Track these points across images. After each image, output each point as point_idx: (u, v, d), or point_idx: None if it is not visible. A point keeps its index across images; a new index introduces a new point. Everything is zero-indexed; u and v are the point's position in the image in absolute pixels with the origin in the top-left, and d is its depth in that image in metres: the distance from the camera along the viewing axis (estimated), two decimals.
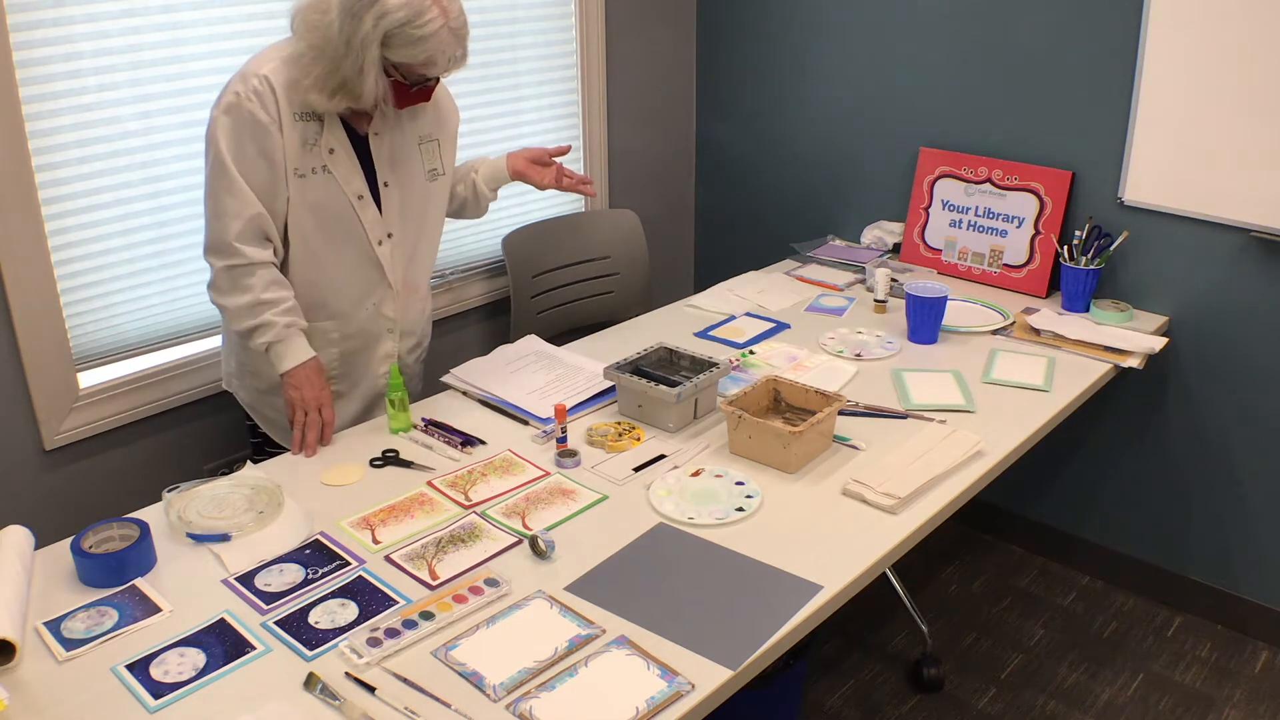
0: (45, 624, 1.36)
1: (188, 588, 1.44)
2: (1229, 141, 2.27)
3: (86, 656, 1.31)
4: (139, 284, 2.19)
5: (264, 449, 2.06)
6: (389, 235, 1.94)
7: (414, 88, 1.78)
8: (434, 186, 2.02)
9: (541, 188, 2.13)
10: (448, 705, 1.23)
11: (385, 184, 1.91)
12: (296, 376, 1.82)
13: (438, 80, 1.82)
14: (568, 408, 1.90)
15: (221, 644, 1.33)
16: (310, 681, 1.26)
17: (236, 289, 1.80)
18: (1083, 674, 2.43)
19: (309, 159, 1.81)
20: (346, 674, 1.27)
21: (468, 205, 2.19)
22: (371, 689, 1.24)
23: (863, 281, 2.65)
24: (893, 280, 2.53)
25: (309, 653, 1.31)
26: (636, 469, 1.75)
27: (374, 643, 1.32)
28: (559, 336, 2.69)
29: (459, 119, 2.09)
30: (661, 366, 2.01)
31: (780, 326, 2.38)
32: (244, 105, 1.74)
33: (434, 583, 1.45)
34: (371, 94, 1.73)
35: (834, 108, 2.97)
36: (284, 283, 1.83)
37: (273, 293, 1.81)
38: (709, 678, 1.27)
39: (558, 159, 2.14)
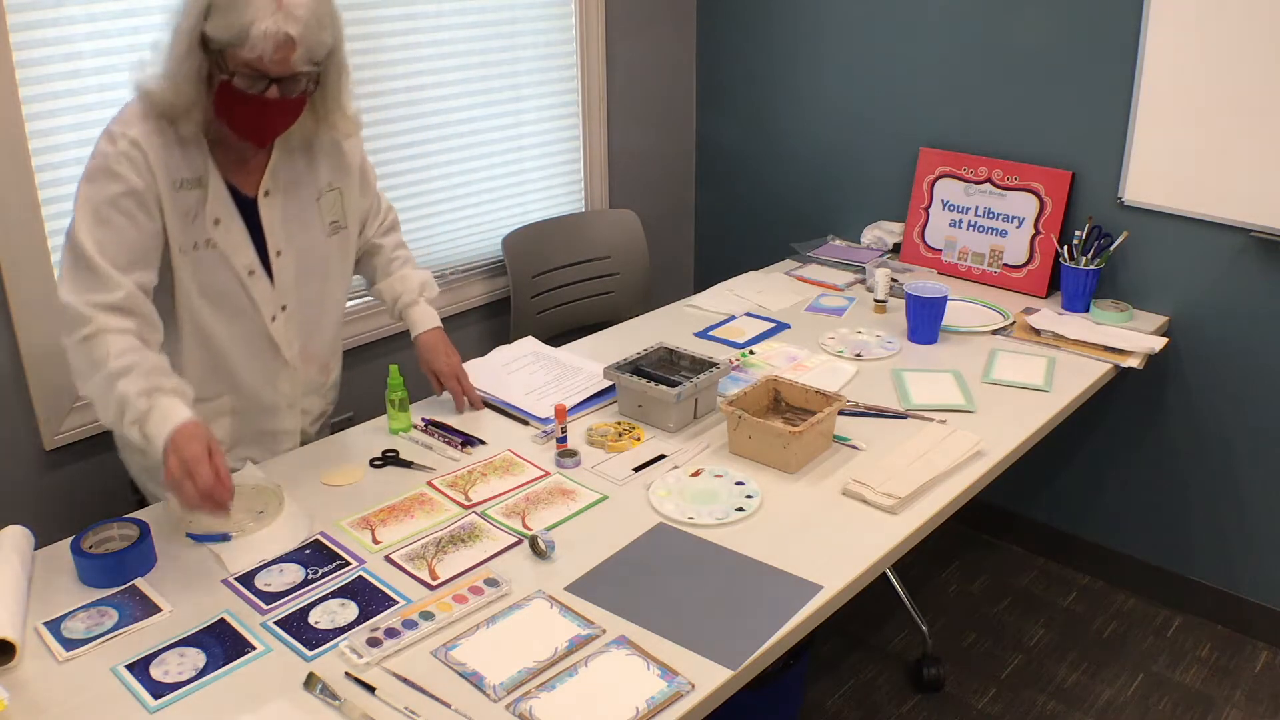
0: (45, 624, 1.36)
1: (188, 588, 1.44)
2: (1229, 141, 2.27)
3: (86, 656, 1.31)
4: None
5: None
6: (283, 308, 1.71)
7: (244, 87, 1.48)
8: (335, 242, 1.77)
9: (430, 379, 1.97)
10: (448, 705, 1.22)
11: (278, 253, 1.68)
12: (172, 444, 1.44)
13: (276, 87, 1.49)
14: (568, 408, 1.90)
15: (221, 644, 1.33)
16: (310, 681, 1.26)
17: (89, 367, 1.49)
18: (1083, 674, 2.43)
19: (192, 232, 1.59)
20: (346, 674, 1.27)
21: (367, 272, 1.99)
22: (371, 689, 1.24)
23: (863, 281, 2.65)
24: (893, 280, 2.53)
25: (309, 653, 1.31)
26: (636, 469, 1.75)
27: (374, 643, 1.32)
28: (559, 336, 2.69)
29: (362, 156, 1.82)
30: (661, 366, 2.01)
31: (780, 326, 2.37)
32: (112, 169, 1.50)
33: (434, 583, 1.45)
34: (178, 78, 1.47)
35: (834, 108, 2.97)
36: (139, 347, 1.50)
37: (125, 359, 1.48)
38: (709, 678, 1.27)
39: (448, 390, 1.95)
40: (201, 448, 1.44)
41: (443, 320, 2.77)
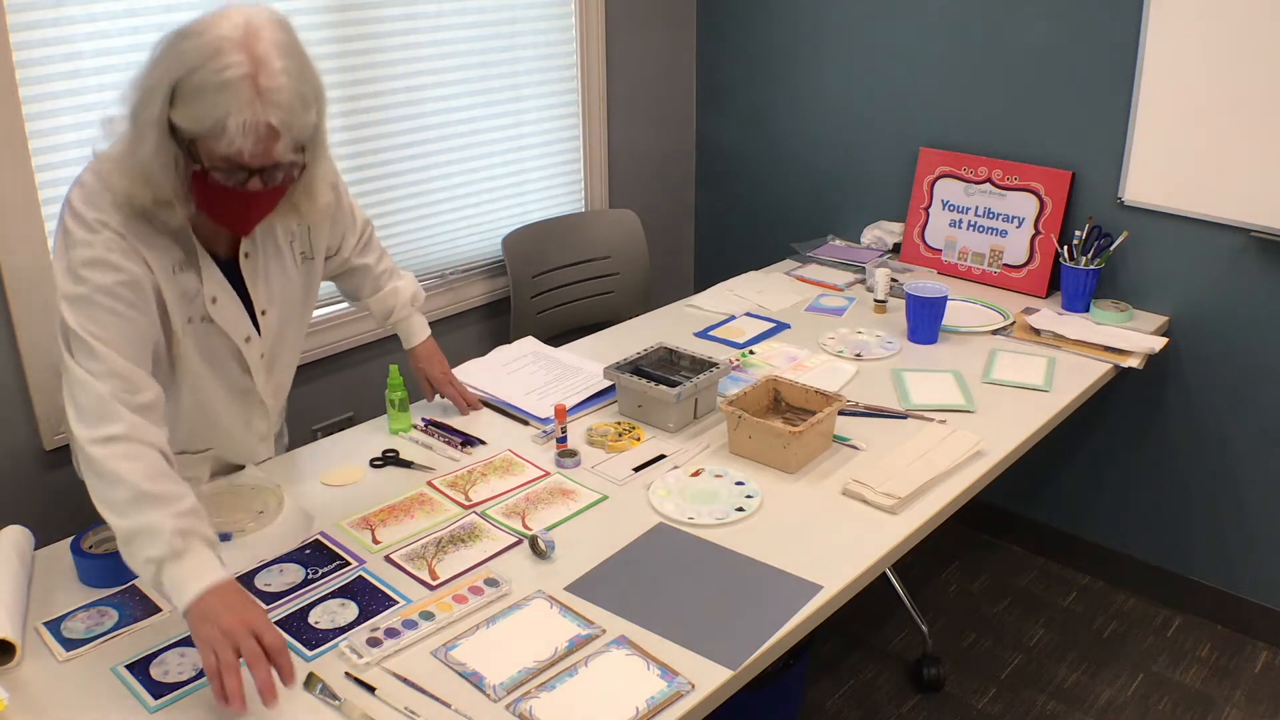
0: (45, 624, 1.36)
1: None
2: (1229, 141, 2.27)
3: (86, 656, 1.31)
4: None
5: None
6: (261, 356, 1.65)
7: (222, 180, 1.33)
8: (303, 272, 1.68)
9: (422, 387, 1.97)
10: (448, 705, 1.22)
11: (264, 312, 1.60)
12: (205, 606, 1.21)
13: (258, 178, 1.34)
14: (568, 408, 1.90)
15: None
16: (310, 681, 1.26)
17: (110, 475, 1.28)
18: (1083, 674, 2.43)
19: (191, 309, 1.51)
20: (346, 674, 1.27)
21: (351, 289, 1.92)
22: (371, 689, 1.24)
23: (863, 281, 2.65)
24: (893, 280, 2.53)
25: (309, 653, 1.31)
26: (636, 469, 1.75)
27: (374, 643, 1.32)
28: (559, 336, 2.69)
29: (329, 193, 1.59)
30: (661, 366, 2.01)
31: (780, 326, 2.37)
32: (105, 258, 1.35)
33: (434, 583, 1.45)
34: (151, 173, 1.32)
35: (834, 107, 2.97)
36: (176, 477, 1.32)
37: (160, 485, 1.28)
38: (709, 678, 1.27)
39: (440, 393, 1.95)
40: (239, 618, 1.21)
41: (443, 320, 2.81)
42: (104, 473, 1.28)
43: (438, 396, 1.97)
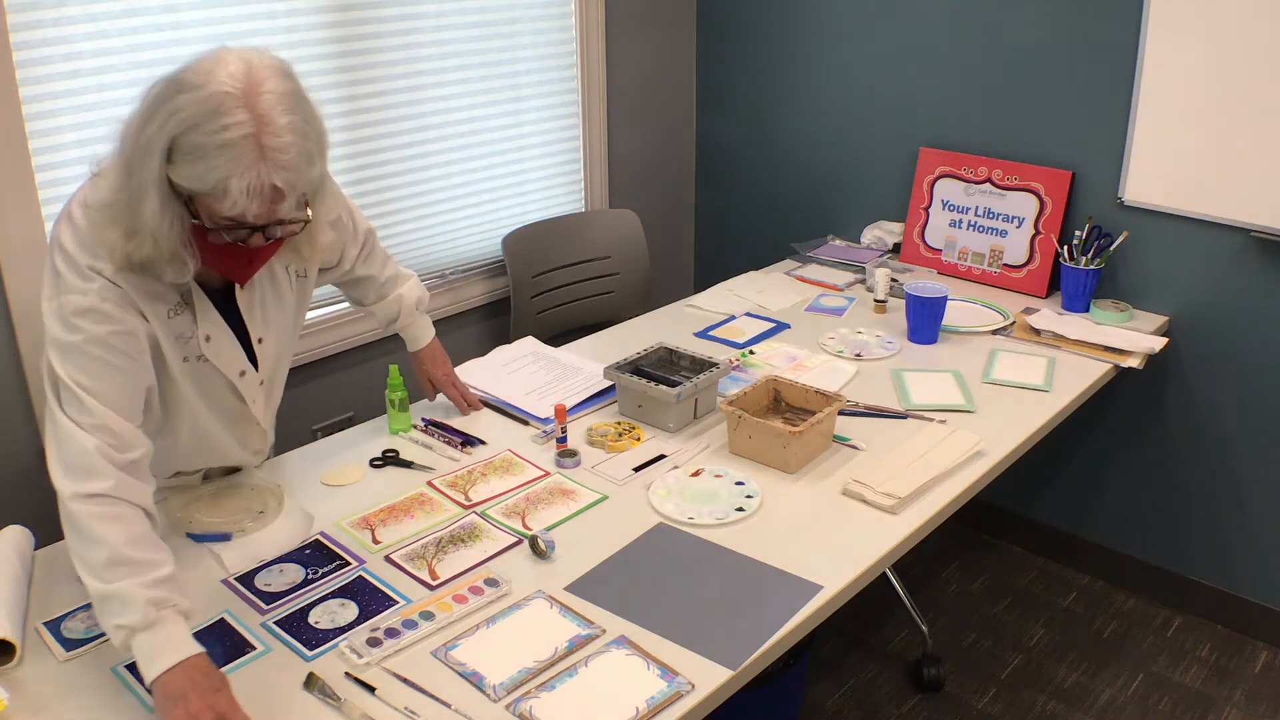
0: (45, 624, 1.36)
1: (187, 588, 1.43)
2: (1229, 141, 2.27)
3: (86, 656, 1.31)
4: None
5: None
6: (260, 384, 1.62)
7: (225, 237, 1.29)
8: (296, 289, 1.63)
9: (425, 388, 1.97)
10: (448, 705, 1.22)
11: (260, 340, 1.56)
12: (173, 683, 1.18)
13: (260, 235, 1.30)
14: (568, 408, 1.90)
15: (221, 644, 1.33)
16: (310, 681, 1.26)
17: (90, 534, 1.24)
18: (1083, 674, 2.43)
19: (186, 349, 1.46)
20: (346, 674, 1.27)
21: (356, 297, 1.89)
22: (372, 689, 1.24)
23: (863, 281, 2.65)
24: (893, 280, 2.53)
25: (309, 653, 1.31)
26: (636, 469, 1.75)
27: (374, 643, 1.32)
28: (559, 336, 2.69)
29: (330, 233, 1.58)
30: (661, 366, 2.01)
31: (780, 326, 2.37)
32: (99, 308, 1.30)
33: (434, 583, 1.45)
34: (156, 233, 1.26)
35: (834, 107, 2.97)
36: (157, 542, 1.28)
37: (140, 551, 1.25)
38: (709, 678, 1.27)
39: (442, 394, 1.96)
40: (205, 701, 1.17)
41: (443, 320, 2.80)
42: (84, 531, 1.24)
43: (439, 396, 1.97)
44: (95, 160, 1.34)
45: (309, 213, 1.34)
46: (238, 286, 1.49)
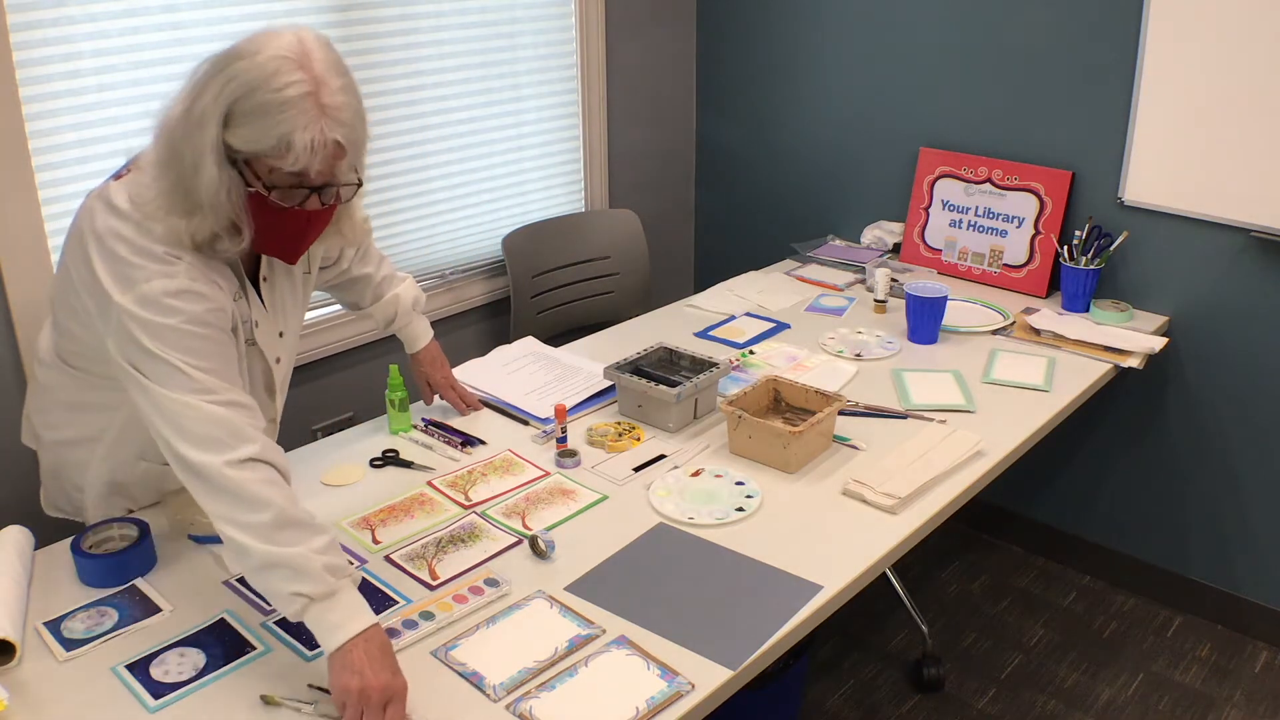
0: (45, 624, 1.36)
1: (188, 588, 1.44)
2: (1229, 141, 2.27)
3: (86, 656, 1.31)
4: None
5: None
6: (286, 377, 1.66)
7: (281, 201, 1.30)
8: (305, 285, 1.67)
9: (422, 390, 1.96)
10: (448, 705, 1.22)
11: (281, 334, 1.59)
12: (355, 656, 1.20)
13: (317, 196, 1.32)
14: (568, 408, 1.90)
15: (221, 644, 1.33)
16: (267, 700, 1.23)
17: (251, 501, 1.25)
18: (1083, 674, 2.43)
19: (245, 333, 1.49)
20: (310, 685, 1.26)
21: (352, 299, 1.90)
22: (327, 690, 1.23)
23: (863, 281, 2.65)
24: (893, 280, 2.53)
25: (309, 653, 1.31)
26: (636, 469, 1.75)
27: None
28: (559, 336, 2.69)
29: (363, 210, 1.65)
30: (661, 366, 2.01)
31: (780, 326, 2.37)
32: (191, 288, 1.31)
33: (434, 583, 1.45)
34: (215, 203, 1.28)
35: (834, 107, 2.97)
36: (298, 503, 1.29)
37: (303, 513, 1.27)
38: (709, 678, 1.27)
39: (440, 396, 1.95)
40: (382, 681, 1.19)
41: (443, 320, 2.80)
42: (244, 496, 1.24)
43: (437, 399, 1.97)
44: (129, 154, 1.37)
45: (359, 176, 1.37)
46: (262, 281, 1.51)
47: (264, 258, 1.50)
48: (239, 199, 1.30)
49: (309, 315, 1.87)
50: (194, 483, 1.28)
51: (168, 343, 1.29)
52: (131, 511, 1.64)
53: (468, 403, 1.96)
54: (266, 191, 1.29)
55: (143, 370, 1.30)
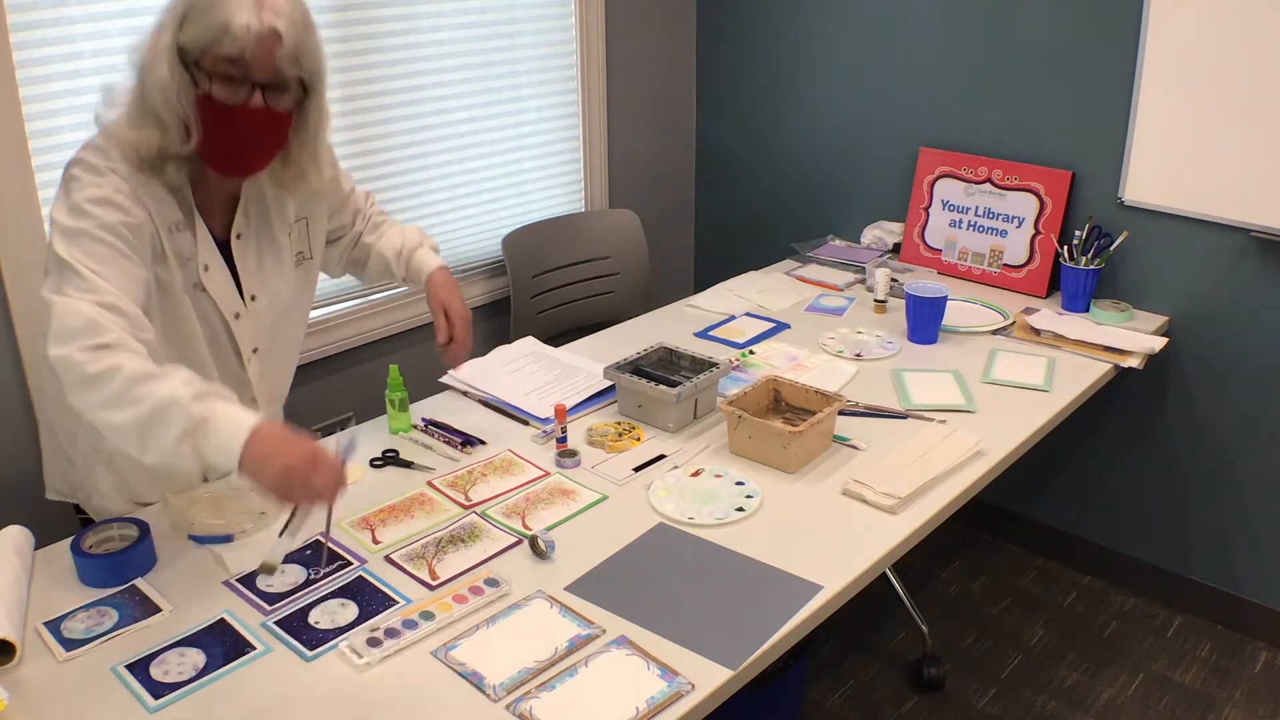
0: (45, 624, 1.36)
1: (188, 588, 1.44)
2: (1230, 142, 2.27)
3: (86, 656, 1.31)
4: None
5: None
6: (254, 350, 1.65)
7: (225, 97, 1.37)
8: (299, 274, 1.70)
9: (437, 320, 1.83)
10: (448, 705, 1.22)
11: (253, 297, 1.60)
12: (258, 450, 1.25)
13: (260, 94, 1.38)
14: (568, 408, 1.90)
15: (221, 644, 1.33)
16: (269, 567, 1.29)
17: (100, 374, 1.27)
18: (1083, 674, 2.43)
19: (186, 275, 1.51)
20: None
21: (363, 272, 1.89)
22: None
23: (863, 281, 2.65)
24: (893, 280, 2.53)
25: (309, 653, 1.31)
26: (636, 469, 1.75)
27: (374, 643, 1.32)
28: (559, 336, 2.69)
29: (334, 168, 1.72)
30: (661, 366, 2.01)
31: (780, 326, 2.37)
32: (112, 198, 1.37)
33: (434, 583, 1.45)
34: (165, 104, 1.35)
35: (834, 108, 2.97)
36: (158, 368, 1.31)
37: (157, 367, 1.30)
38: (709, 678, 1.27)
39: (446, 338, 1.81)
40: (305, 474, 1.25)
41: None
42: (95, 375, 1.26)
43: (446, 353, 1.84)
44: (108, 87, 1.44)
45: (306, 80, 1.43)
46: (234, 237, 1.55)
47: (239, 213, 1.55)
48: (187, 100, 1.37)
49: (309, 316, 1.86)
50: (64, 381, 1.30)
51: (75, 245, 1.34)
52: (141, 506, 1.65)
53: (457, 351, 1.80)
54: (210, 95, 1.36)
55: (50, 276, 1.35)
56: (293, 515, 1.28)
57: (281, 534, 1.27)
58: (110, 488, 1.65)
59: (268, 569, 1.30)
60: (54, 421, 1.69)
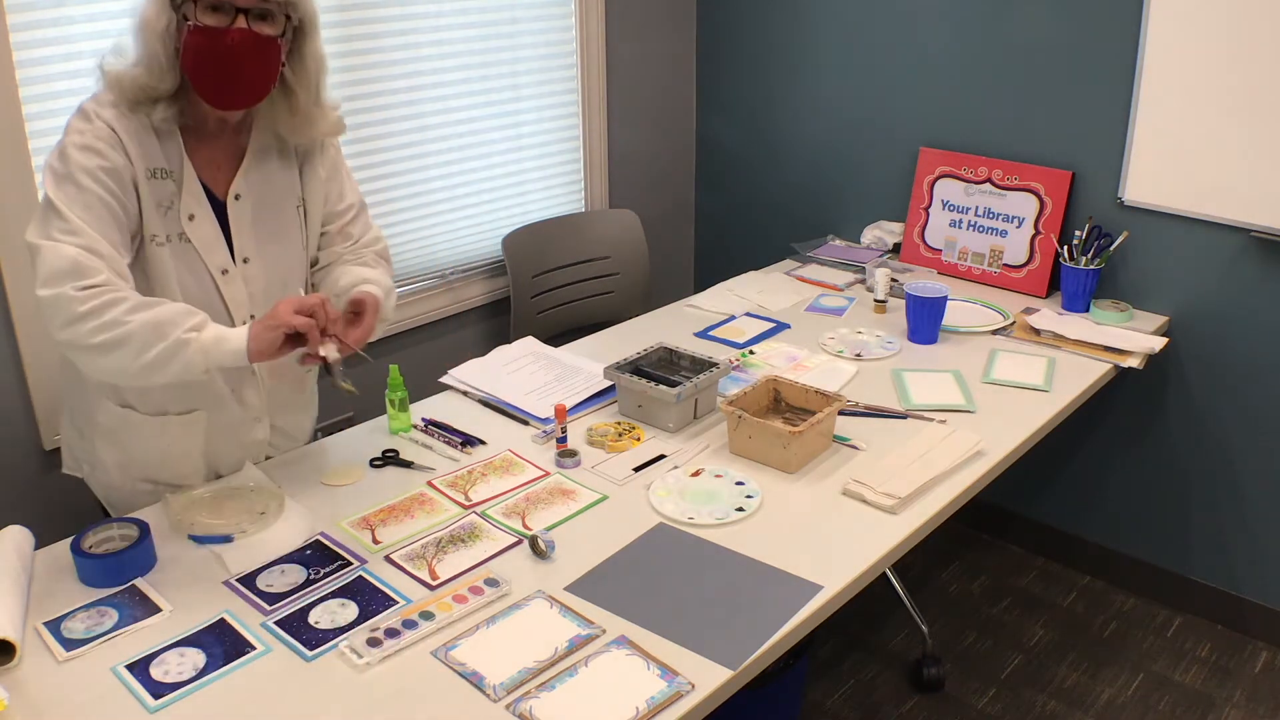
0: (45, 624, 1.36)
1: (188, 588, 1.44)
2: (1229, 141, 2.27)
3: (86, 656, 1.31)
4: None
5: None
6: (251, 317, 1.61)
7: (210, 21, 1.42)
8: (311, 234, 1.72)
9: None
10: (448, 705, 1.22)
11: (245, 260, 1.60)
12: (255, 337, 1.45)
13: (244, 18, 1.43)
14: (568, 408, 1.90)
15: (221, 644, 1.33)
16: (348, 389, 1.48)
17: (100, 310, 1.39)
18: (1083, 674, 2.43)
19: (166, 225, 1.52)
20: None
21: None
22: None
23: (863, 281, 2.65)
24: (893, 280, 2.53)
25: (309, 653, 1.31)
26: (636, 469, 1.75)
27: (374, 643, 1.32)
28: (559, 336, 2.69)
29: (337, 148, 1.74)
30: (661, 366, 2.01)
31: (780, 326, 2.37)
32: (93, 145, 1.44)
33: (434, 583, 1.45)
34: (154, 36, 1.42)
35: (834, 107, 2.97)
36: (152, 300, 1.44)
37: (144, 299, 1.43)
38: (709, 678, 1.27)
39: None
40: (286, 318, 1.44)
41: (443, 320, 2.80)
42: (88, 310, 1.38)
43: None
44: (114, 51, 1.49)
45: (295, 16, 1.49)
46: (232, 198, 1.57)
47: (239, 174, 1.58)
48: (174, 33, 1.43)
49: None
50: (53, 319, 1.41)
51: (60, 187, 1.42)
52: (141, 483, 1.68)
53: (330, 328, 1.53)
54: (197, 24, 1.41)
55: (35, 219, 1.44)
56: (323, 361, 1.50)
57: (332, 378, 1.51)
58: (112, 462, 1.67)
59: (349, 392, 1.49)
60: (65, 395, 1.73)
